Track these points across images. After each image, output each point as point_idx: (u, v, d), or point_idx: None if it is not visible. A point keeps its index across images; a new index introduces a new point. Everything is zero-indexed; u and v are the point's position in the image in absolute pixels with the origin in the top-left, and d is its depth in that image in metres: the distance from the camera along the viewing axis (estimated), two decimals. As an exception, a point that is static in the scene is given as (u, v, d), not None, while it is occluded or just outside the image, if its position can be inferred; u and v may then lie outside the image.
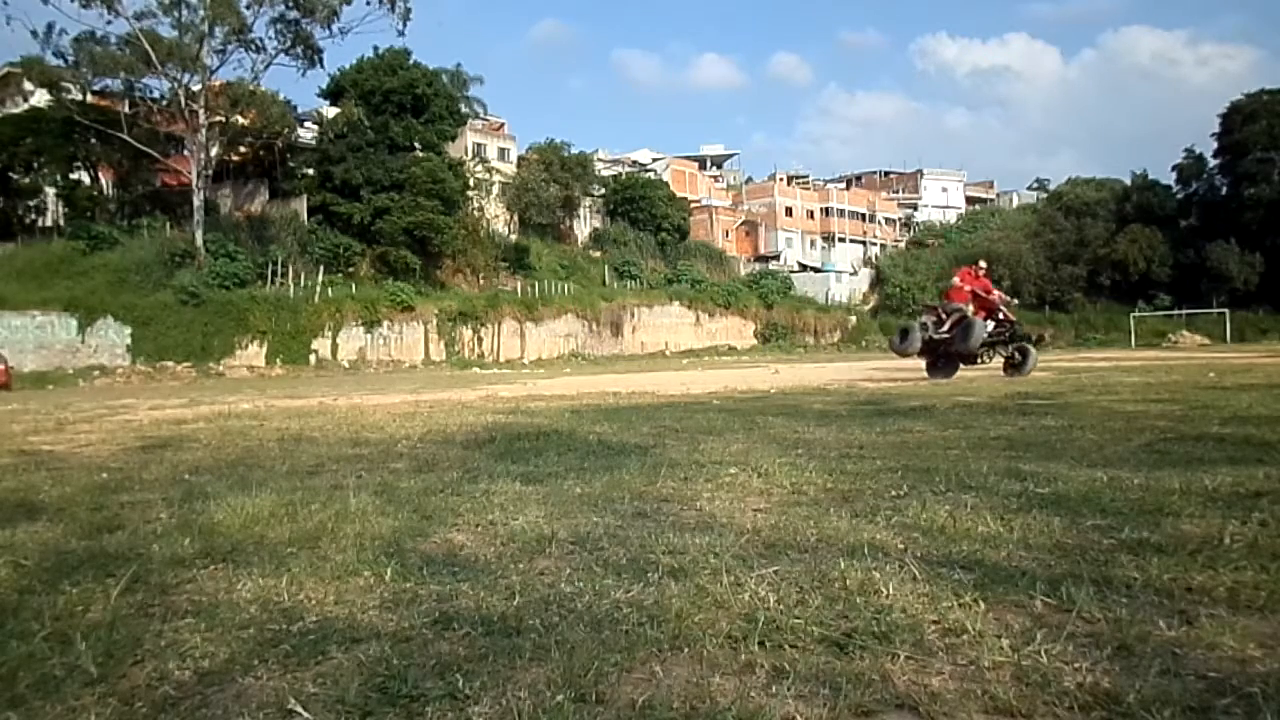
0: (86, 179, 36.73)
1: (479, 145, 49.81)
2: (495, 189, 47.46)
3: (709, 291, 50.90)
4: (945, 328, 12.44)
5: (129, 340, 31.06)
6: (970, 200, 75.92)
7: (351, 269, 38.51)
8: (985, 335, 12.22)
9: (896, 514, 2.65)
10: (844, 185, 73.86)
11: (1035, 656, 1.50)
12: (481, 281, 43.35)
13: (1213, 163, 54.25)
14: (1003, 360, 12.57)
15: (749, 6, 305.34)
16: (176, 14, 33.34)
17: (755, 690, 1.41)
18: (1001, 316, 12.48)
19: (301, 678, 1.54)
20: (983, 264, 13.68)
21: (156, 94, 35.81)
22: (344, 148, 37.79)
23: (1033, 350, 12.34)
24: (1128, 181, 57.06)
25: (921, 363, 13.26)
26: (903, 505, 2.78)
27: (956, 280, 13.05)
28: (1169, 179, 56.04)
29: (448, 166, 39.30)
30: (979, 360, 12.73)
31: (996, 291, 12.97)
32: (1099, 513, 2.58)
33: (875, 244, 67.89)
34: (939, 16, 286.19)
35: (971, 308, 12.52)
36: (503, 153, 51.60)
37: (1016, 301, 13.20)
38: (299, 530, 2.70)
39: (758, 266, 60.64)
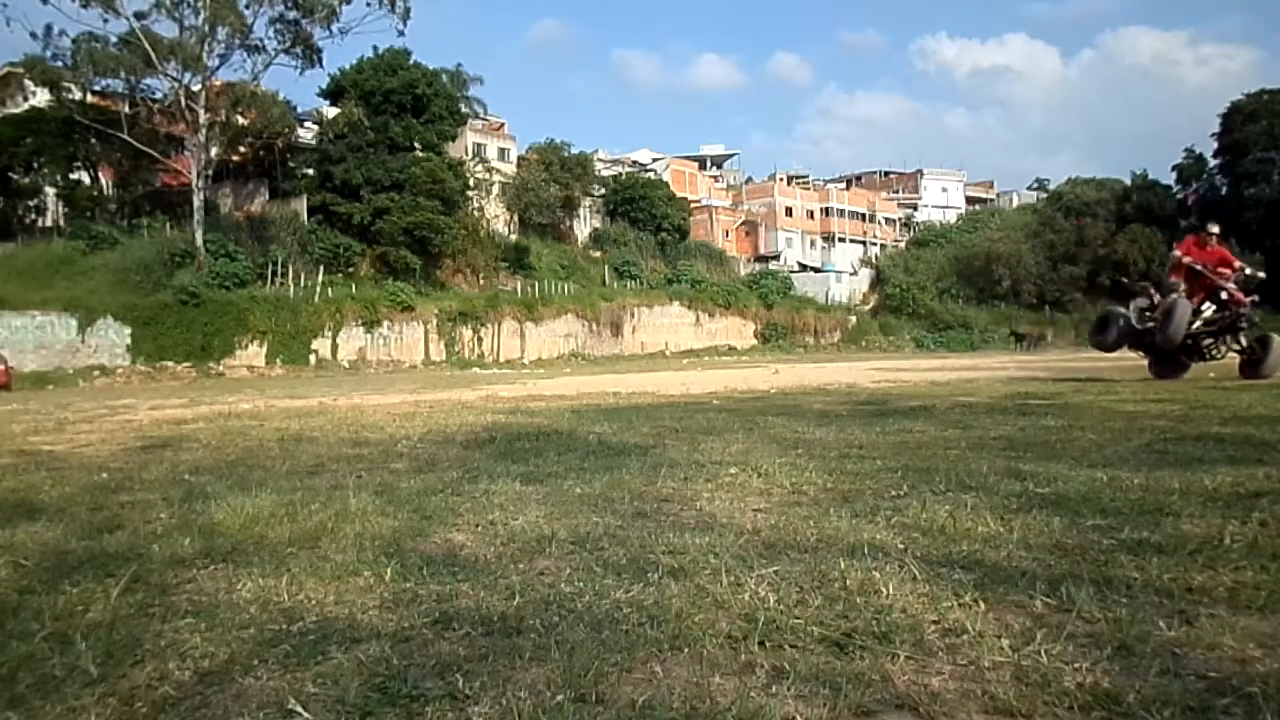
0: (86, 179, 36.72)
1: (479, 145, 49.79)
2: (495, 189, 47.44)
3: (709, 291, 50.89)
4: (1154, 315, 9.91)
5: (129, 340, 31.02)
6: (970, 200, 75.97)
7: (351, 269, 38.51)
8: (1193, 323, 9.57)
9: (896, 514, 2.64)
10: (844, 185, 73.89)
11: (1035, 656, 1.50)
12: (481, 281, 43.34)
13: (1213, 163, 54.43)
14: (1237, 355, 9.68)
15: (749, 6, 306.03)
16: (177, 14, 33.36)
17: (755, 690, 1.41)
18: (1225, 298, 9.62)
19: (301, 678, 1.54)
20: (1214, 228, 10.22)
21: (157, 94, 35.86)
22: (344, 148, 37.79)
23: (1276, 341, 9.28)
24: (1128, 181, 57.23)
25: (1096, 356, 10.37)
26: (903, 505, 2.78)
27: (1176, 253, 10.13)
28: (1169, 179, 56.24)
29: (448, 166, 39.30)
30: (1207, 355, 9.93)
31: (1237, 262, 9.95)
32: (1099, 513, 2.57)
33: (875, 244, 67.91)
34: (939, 16, 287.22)
35: (1184, 287, 9.80)
36: (503, 153, 51.58)
37: (1263, 275, 10.12)
38: (299, 530, 2.70)
39: (758, 266, 60.66)
